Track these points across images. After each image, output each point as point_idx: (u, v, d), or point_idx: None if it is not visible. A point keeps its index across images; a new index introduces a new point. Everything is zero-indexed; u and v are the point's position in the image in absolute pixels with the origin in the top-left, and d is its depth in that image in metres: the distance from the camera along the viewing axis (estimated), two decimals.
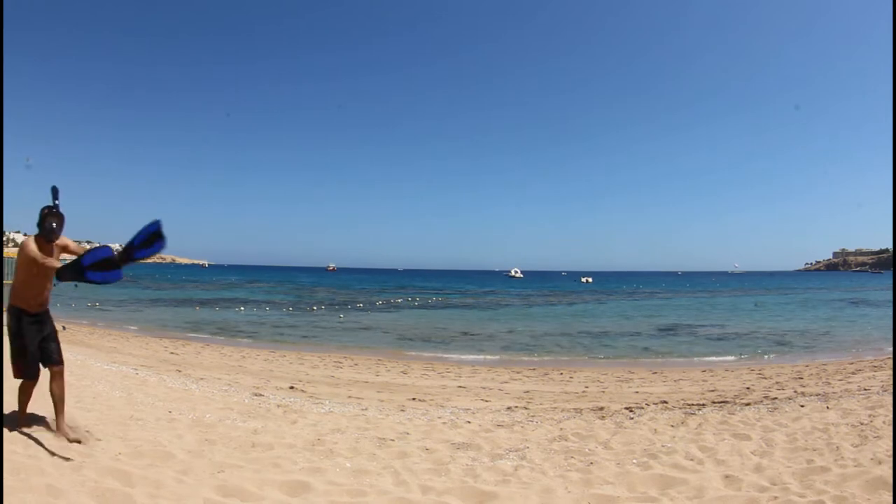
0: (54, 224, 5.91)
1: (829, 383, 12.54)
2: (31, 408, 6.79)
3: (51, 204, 5.97)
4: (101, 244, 6.64)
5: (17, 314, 5.80)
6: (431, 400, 10.81)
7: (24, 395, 5.91)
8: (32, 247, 5.78)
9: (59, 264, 5.74)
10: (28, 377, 5.82)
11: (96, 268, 5.88)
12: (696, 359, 20.44)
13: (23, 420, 5.88)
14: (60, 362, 6.05)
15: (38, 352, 5.87)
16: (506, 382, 13.99)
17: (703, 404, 9.88)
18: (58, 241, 6.04)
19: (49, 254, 5.88)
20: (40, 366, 5.91)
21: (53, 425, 5.86)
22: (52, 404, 5.91)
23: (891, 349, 19.46)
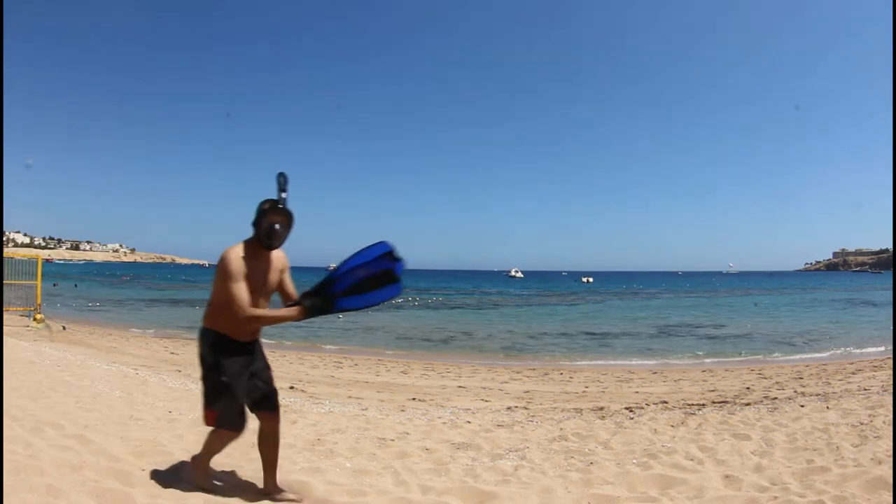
0: (277, 225, 4.37)
1: (829, 383, 12.54)
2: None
3: (275, 197, 4.41)
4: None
5: (216, 341, 4.40)
6: (431, 400, 10.82)
7: (218, 442, 4.61)
8: (236, 278, 4.22)
9: (283, 314, 4.29)
10: (229, 427, 4.47)
11: (354, 290, 4.33)
12: (696, 359, 20.45)
13: (201, 473, 4.70)
14: (276, 407, 4.70)
15: (245, 394, 4.49)
16: (506, 382, 14.00)
17: (703, 404, 9.88)
18: (279, 254, 4.58)
19: (266, 264, 4.43)
20: (246, 413, 4.56)
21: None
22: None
23: (891, 349, 19.45)
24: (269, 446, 4.69)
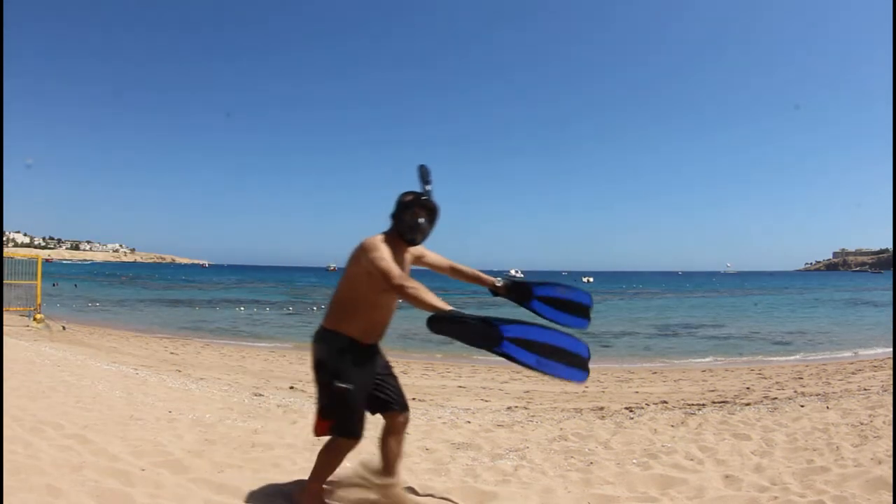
0: (421, 219, 4.01)
1: (829, 383, 12.54)
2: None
3: (418, 190, 4.10)
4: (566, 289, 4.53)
5: (343, 346, 3.99)
6: (431, 400, 10.81)
7: (334, 455, 4.19)
8: (383, 250, 3.83)
9: (433, 300, 3.55)
10: (348, 434, 4.04)
11: (530, 346, 3.46)
12: (696, 359, 20.46)
13: (316, 499, 4.27)
14: (406, 407, 4.35)
15: (366, 399, 4.12)
16: (506, 382, 13.99)
17: (703, 404, 9.88)
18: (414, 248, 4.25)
19: (401, 262, 3.99)
20: (366, 419, 4.13)
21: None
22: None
23: (891, 349, 19.45)
24: (395, 442, 4.32)
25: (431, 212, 4.05)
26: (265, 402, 8.86)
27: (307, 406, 8.81)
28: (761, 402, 9.85)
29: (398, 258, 3.95)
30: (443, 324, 3.51)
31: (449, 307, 3.53)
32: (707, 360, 20.14)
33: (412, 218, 3.99)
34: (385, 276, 3.73)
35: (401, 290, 3.68)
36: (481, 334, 3.48)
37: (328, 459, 4.20)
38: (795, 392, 11.28)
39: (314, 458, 5.63)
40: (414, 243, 4.09)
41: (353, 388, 3.95)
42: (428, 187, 4.09)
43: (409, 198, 4.02)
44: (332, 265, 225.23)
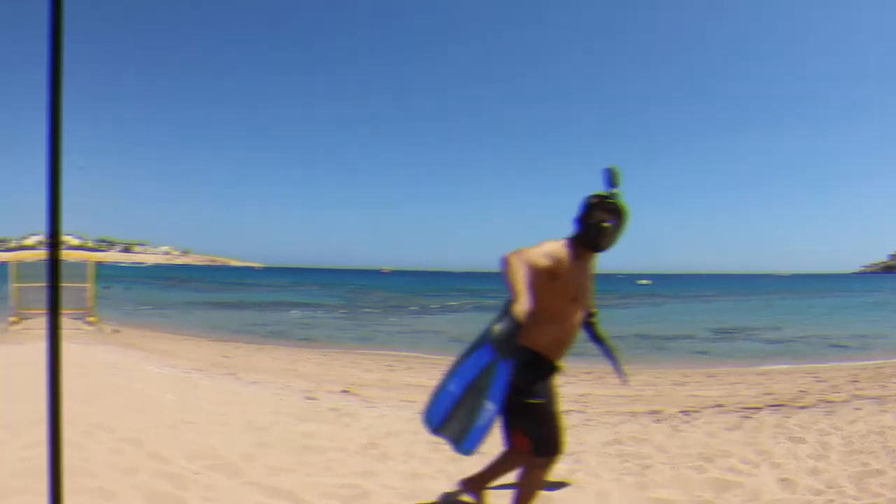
0: (607, 223, 3.76)
1: (885, 386, 12.29)
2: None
3: (604, 192, 3.85)
4: None
5: (529, 360, 3.77)
6: None
7: (536, 475, 4.07)
8: (545, 245, 3.69)
9: (517, 281, 3.33)
10: (551, 452, 3.97)
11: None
12: (752, 362, 20.18)
13: None
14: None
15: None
16: (562, 386, 13.89)
17: (759, 407, 9.74)
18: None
19: (581, 269, 3.86)
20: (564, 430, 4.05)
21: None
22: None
23: None
24: (537, 482, 4.09)
25: (619, 215, 3.81)
26: (318, 406, 8.90)
27: (360, 409, 8.84)
28: (817, 405, 9.68)
29: (578, 264, 3.80)
30: (506, 308, 3.49)
31: (523, 296, 3.29)
32: (763, 363, 19.85)
33: (597, 222, 3.75)
34: (515, 251, 3.49)
35: (505, 261, 3.42)
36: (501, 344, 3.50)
37: (531, 483, 4.03)
38: (851, 395, 11.09)
39: (367, 461, 5.66)
40: (598, 248, 3.84)
41: (546, 400, 3.86)
42: (614, 188, 3.85)
43: (595, 200, 3.80)
44: (386, 267, 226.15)
